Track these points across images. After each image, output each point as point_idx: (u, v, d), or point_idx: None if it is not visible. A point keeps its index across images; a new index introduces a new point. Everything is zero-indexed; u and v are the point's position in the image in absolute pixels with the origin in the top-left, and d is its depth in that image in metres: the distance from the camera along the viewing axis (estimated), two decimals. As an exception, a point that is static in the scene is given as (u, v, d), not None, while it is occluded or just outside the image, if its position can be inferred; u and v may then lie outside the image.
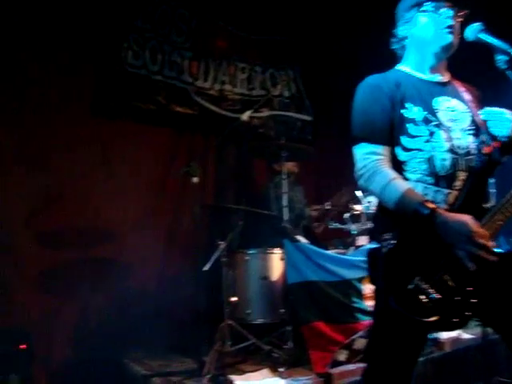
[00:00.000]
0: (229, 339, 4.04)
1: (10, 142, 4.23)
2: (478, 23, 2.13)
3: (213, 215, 5.03)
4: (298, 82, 6.20)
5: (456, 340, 4.27)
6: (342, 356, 3.84)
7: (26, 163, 4.24)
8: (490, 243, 1.90)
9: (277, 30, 5.92)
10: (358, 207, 4.55)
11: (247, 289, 4.29)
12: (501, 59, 1.98)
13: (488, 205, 2.10)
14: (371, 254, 2.17)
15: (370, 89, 2.22)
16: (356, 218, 4.64)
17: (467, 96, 2.30)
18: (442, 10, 2.20)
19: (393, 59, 2.44)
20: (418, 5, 2.25)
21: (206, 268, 4.01)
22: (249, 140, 5.51)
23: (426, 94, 2.21)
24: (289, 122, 6.01)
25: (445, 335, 4.14)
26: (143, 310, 4.48)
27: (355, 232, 4.57)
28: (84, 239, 4.48)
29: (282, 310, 4.18)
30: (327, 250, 4.49)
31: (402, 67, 2.36)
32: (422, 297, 1.91)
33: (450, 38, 2.19)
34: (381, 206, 2.18)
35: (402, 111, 2.15)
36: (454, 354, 4.16)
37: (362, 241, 4.40)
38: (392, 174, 2.07)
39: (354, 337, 3.85)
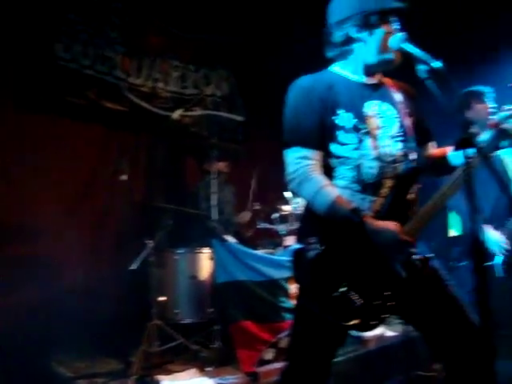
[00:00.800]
0: (156, 339, 4.02)
1: None
2: (401, 33, 2.16)
3: (142, 214, 4.97)
4: (230, 82, 6.20)
5: (380, 337, 4.42)
6: (269, 355, 3.90)
7: None
8: (414, 250, 2.00)
9: (211, 30, 5.88)
10: (286, 208, 4.61)
11: (175, 288, 4.29)
12: (421, 69, 1.99)
13: (412, 211, 2.16)
14: (296, 254, 2.17)
15: (302, 91, 2.19)
16: (284, 219, 4.71)
17: (398, 98, 2.31)
18: (391, 24, 2.20)
19: (320, 61, 2.39)
20: (382, 14, 2.20)
21: (134, 267, 3.98)
22: (180, 139, 5.49)
23: (357, 99, 2.20)
24: (221, 121, 6.00)
25: (369, 333, 4.26)
26: (69, 310, 4.35)
27: (283, 232, 4.63)
28: (8, 236, 4.32)
29: (211, 310, 4.20)
30: (256, 249, 4.54)
31: (336, 68, 2.32)
32: (346, 303, 1.97)
33: (390, 57, 2.20)
34: (308, 209, 2.18)
35: (332, 118, 2.14)
36: (378, 351, 4.30)
37: (290, 241, 4.46)
38: (323, 180, 2.09)
39: (280, 335, 3.91)
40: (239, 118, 6.20)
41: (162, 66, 5.60)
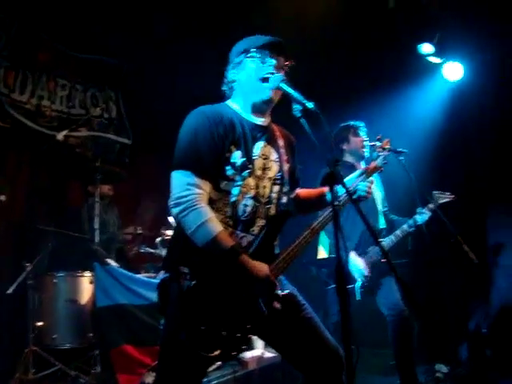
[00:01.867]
0: (33, 366, 3.90)
1: None
2: (280, 74, 2.30)
3: (20, 235, 4.80)
4: (118, 104, 6.17)
5: (260, 358, 4.55)
6: (150, 378, 3.90)
7: None
8: (279, 293, 2.15)
9: (100, 50, 5.84)
10: (168, 232, 4.65)
11: (54, 313, 4.18)
12: (296, 108, 2.14)
13: (277, 251, 2.33)
14: (163, 285, 2.23)
15: (208, 121, 2.22)
16: (167, 243, 4.75)
17: (281, 143, 2.44)
18: (266, 59, 2.32)
19: (210, 91, 2.52)
20: (246, 51, 2.35)
21: (10, 291, 3.86)
22: (64, 159, 5.36)
23: (249, 139, 2.30)
24: (107, 143, 5.93)
25: (249, 354, 4.39)
26: None
27: (166, 256, 4.67)
28: None
29: (91, 334, 4.15)
30: (139, 273, 4.56)
31: (232, 104, 2.40)
32: (211, 335, 2.06)
33: (269, 94, 2.30)
34: (180, 238, 2.21)
35: (226, 153, 2.22)
36: (258, 372, 4.43)
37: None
38: (208, 213, 2.13)
39: (161, 359, 3.93)
40: (126, 141, 6.16)
41: (49, 84, 5.45)
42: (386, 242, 3.99)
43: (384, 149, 2.77)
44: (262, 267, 2.15)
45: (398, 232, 4.02)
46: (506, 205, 5.13)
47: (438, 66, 5.71)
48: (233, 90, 2.42)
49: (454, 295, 4.95)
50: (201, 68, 2.57)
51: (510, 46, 5.13)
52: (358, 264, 3.93)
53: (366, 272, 3.90)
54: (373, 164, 2.67)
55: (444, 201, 4.12)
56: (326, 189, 2.50)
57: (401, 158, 3.79)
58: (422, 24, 5.25)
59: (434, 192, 4.15)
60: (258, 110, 2.38)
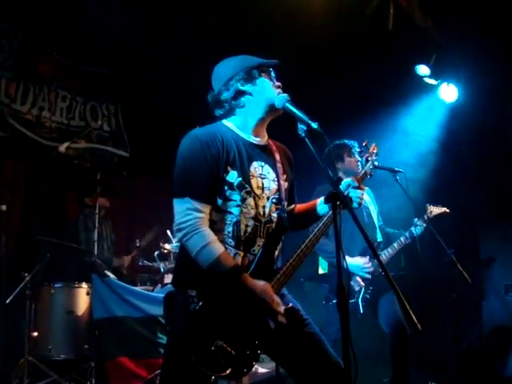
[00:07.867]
0: (27, 376, 3.89)
1: None
2: (285, 94, 2.34)
3: (19, 245, 4.81)
4: (118, 118, 6.19)
5: (253, 374, 4.56)
6: (145, 391, 3.90)
7: None
8: (282, 308, 2.19)
9: (101, 63, 5.88)
10: (167, 246, 4.68)
11: (51, 323, 4.19)
12: (301, 128, 2.17)
13: (279, 264, 2.37)
14: (169, 298, 2.30)
15: (200, 145, 2.25)
16: (164, 257, 4.78)
17: (278, 160, 2.47)
18: (274, 79, 2.39)
19: (205, 103, 2.47)
20: (261, 67, 2.38)
21: (8, 301, 3.86)
22: (63, 171, 5.39)
23: (245, 159, 2.32)
24: (106, 156, 5.96)
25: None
26: None
27: (163, 270, 4.70)
28: None
29: (86, 346, 4.15)
30: (135, 286, 4.57)
31: (227, 123, 2.41)
32: (221, 355, 2.09)
33: (280, 106, 2.30)
34: (187, 260, 2.25)
35: (223, 174, 2.26)
36: (252, 387, 4.44)
37: (170, 279, 4.53)
38: (210, 235, 2.18)
39: (157, 372, 3.90)
40: (124, 154, 6.17)
41: (50, 95, 5.48)
42: (385, 254, 4.04)
43: (372, 153, 2.80)
44: (262, 286, 2.19)
45: (394, 244, 4.07)
46: (499, 224, 5.21)
47: (434, 87, 5.81)
48: (237, 105, 2.38)
49: (446, 314, 4.99)
50: (200, 83, 2.59)
51: (506, 69, 5.23)
52: (356, 262, 3.95)
53: (368, 267, 3.92)
54: (362, 171, 2.70)
55: (438, 212, 4.19)
56: (317, 201, 2.53)
57: (397, 177, 3.86)
58: (419, 46, 5.35)
59: (428, 204, 4.21)
60: (257, 127, 2.41)
